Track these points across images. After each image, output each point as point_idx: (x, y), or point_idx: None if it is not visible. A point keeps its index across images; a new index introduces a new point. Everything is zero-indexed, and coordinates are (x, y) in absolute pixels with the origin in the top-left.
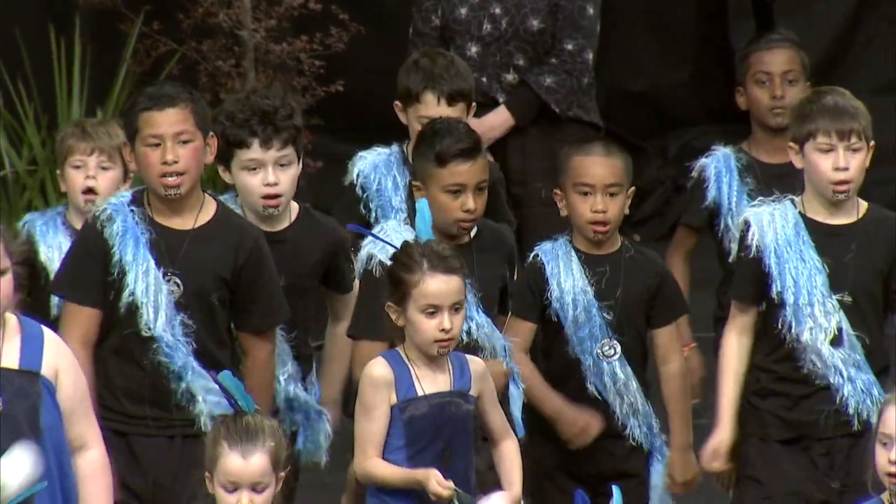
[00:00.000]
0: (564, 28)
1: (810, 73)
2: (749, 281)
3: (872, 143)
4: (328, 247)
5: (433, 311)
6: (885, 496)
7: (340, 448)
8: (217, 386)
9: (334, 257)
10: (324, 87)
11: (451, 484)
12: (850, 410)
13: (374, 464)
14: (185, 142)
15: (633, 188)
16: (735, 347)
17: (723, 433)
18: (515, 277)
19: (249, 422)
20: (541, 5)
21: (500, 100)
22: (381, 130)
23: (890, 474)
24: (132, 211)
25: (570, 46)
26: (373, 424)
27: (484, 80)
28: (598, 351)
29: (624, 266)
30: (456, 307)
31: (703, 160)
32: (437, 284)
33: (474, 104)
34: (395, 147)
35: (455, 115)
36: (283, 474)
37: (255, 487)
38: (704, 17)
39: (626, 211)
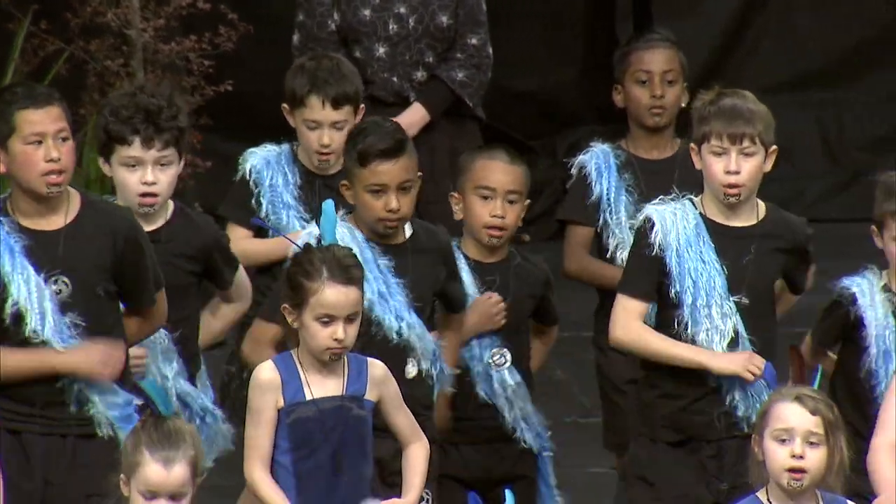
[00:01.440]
0: (466, 23)
1: (698, 74)
2: (647, 277)
3: (774, 147)
4: (203, 246)
5: (328, 320)
6: (761, 493)
7: (237, 449)
8: (130, 387)
9: (210, 256)
10: (213, 87)
11: None
12: (740, 413)
13: (258, 478)
14: (64, 139)
15: (528, 200)
16: (645, 328)
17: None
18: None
19: (171, 428)
20: (447, 1)
21: (412, 99)
22: (270, 130)
23: (792, 469)
24: (0, 222)
25: (474, 41)
26: (259, 429)
27: (395, 79)
28: (490, 360)
29: (513, 274)
30: (351, 318)
31: (581, 157)
32: (334, 295)
33: (363, 106)
34: (285, 146)
35: (341, 118)
36: (199, 481)
37: (175, 497)
38: (593, 15)
39: (520, 221)
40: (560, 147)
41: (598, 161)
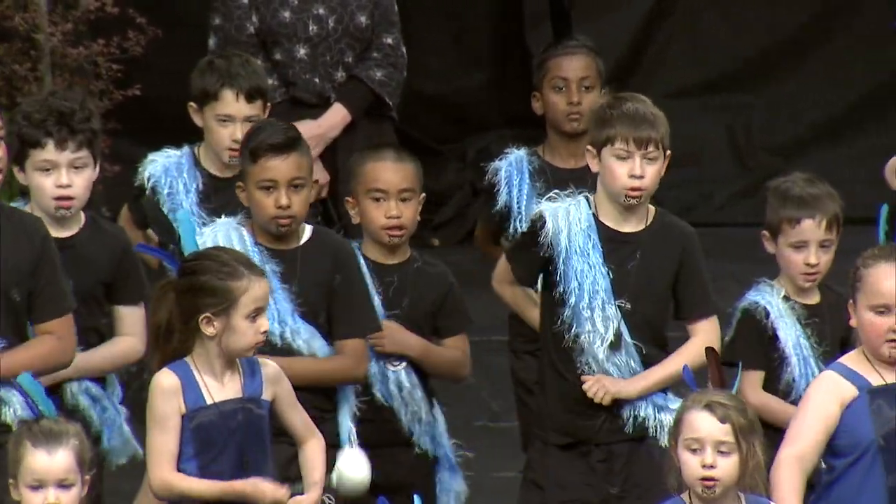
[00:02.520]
0: (382, 23)
1: (607, 79)
2: (528, 266)
3: (669, 152)
4: (113, 255)
5: (255, 315)
6: (685, 495)
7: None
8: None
9: (119, 265)
10: (121, 91)
11: (285, 490)
12: (625, 415)
13: (178, 478)
14: None
15: (423, 195)
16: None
17: None
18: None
19: (52, 425)
20: (364, 2)
21: (333, 99)
22: (179, 134)
23: (704, 478)
24: None
25: (389, 40)
26: (166, 435)
27: (316, 80)
28: (386, 361)
29: (412, 277)
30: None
31: (496, 163)
32: (263, 289)
33: (269, 105)
34: (185, 149)
35: (254, 113)
36: (88, 477)
37: (62, 483)
38: (502, 21)
39: (418, 217)
40: (469, 152)
41: (510, 168)
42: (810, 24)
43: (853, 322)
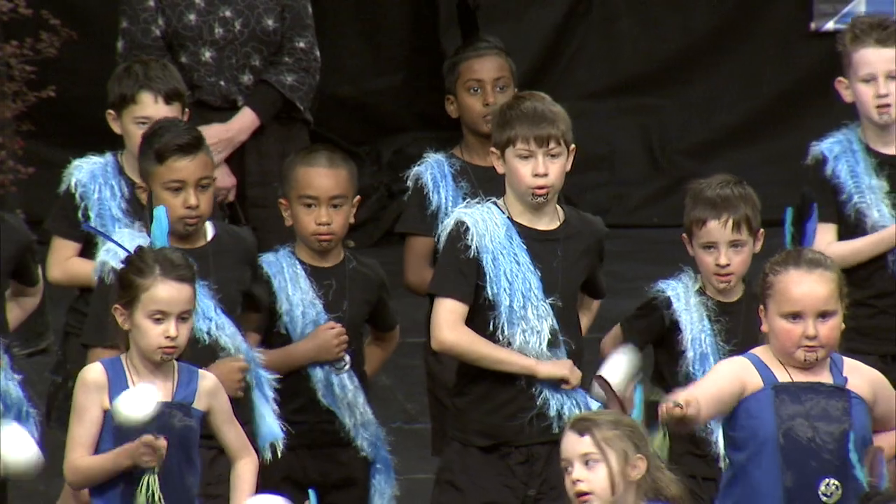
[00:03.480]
0: (294, 27)
1: (520, 81)
2: (465, 279)
3: (573, 146)
4: (17, 249)
5: (160, 317)
6: None
7: (58, 455)
8: None
9: (22, 258)
10: (35, 93)
11: (163, 441)
12: (552, 413)
13: (80, 459)
14: None
15: (358, 197)
16: (473, 333)
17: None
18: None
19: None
20: (272, 5)
21: (240, 102)
22: (94, 135)
23: (577, 493)
24: None
25: (301, 44)
26: (82, 427)
27: (222, 83)
28: (331, 364)
29: (349, 278)
30: (184, 316)
31: (416, 168)
32: (167, 291)
33: (188, 109)
34: (109, 156)
35: (172, 115)
36: None
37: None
38: (416, 23)
39: (352, 220)
40: (385, 153)
41: (433, 171)
42: (723, 26)
43: (764, 328)
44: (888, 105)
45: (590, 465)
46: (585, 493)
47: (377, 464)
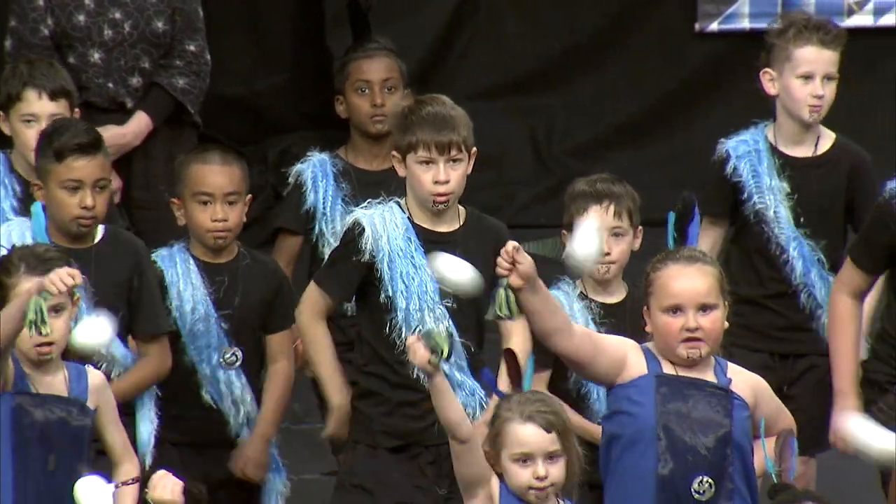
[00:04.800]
0: (184, 30)
1: (410, 81)
2: (346, 279)
3: (474, 150)
4: None
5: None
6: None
7: None
8: None
9: None
10: None
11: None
12: None
13: None
14: None
15: (250, 195)
16: (325, 333)
17: None
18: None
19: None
20: (162, 7)
21: (129, 104)
22: None
23: (535, 488)
24: None
25: (192, 48)
26: None
27: (110, 85)
28: (221, 359)
29: (241, 274)
30: (56, 308)
31: (299, 166)
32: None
33: (77, 109)
34: (0, 155)
35: (58, 111)
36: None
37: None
38: (302, 23)
39: (244, 218)
40: (271, 153)
41: (315, 170)
42: (609, 27)
43: (648, 328)
44: (820, 106)
45: (553, 461)
46: (544, 489)
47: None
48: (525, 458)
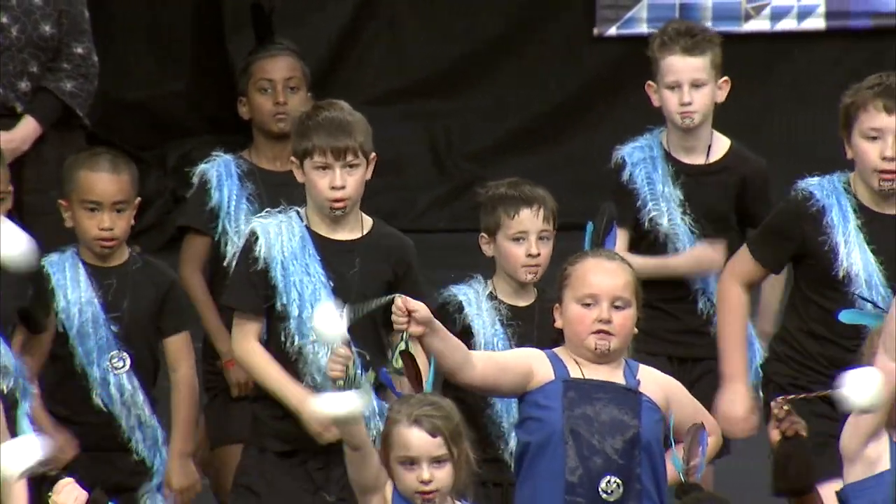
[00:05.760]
0: (71, 32)
1: (310, 85)
2: (254, 292)
3: (373, 155)
4: None
5: None
6: None
7: None
8: None
9: None
10: None
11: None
12: None
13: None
14: None
15: (139, 199)
16: (259, 351)
17: None
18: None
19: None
20: (49, 11)
21: (19, 109)
22: None
23: (423, 492)
24: None
25: (79, 50)
26: None
27: (0, 90)
28: (108, 363)
29: (131, 278)
30: None
31: (203, 165)
32: None
33: None
34: None
35: None
36: None
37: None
38: (201, 27)
39: (133, 222)
40: (171, 158)
41: (219, 169)
42: (509, 31)
43: (558, 323)
44: (691, 112)
45: (439, 465)
46: (431, 493)
47: (157, 470)
48: (411, 462)
